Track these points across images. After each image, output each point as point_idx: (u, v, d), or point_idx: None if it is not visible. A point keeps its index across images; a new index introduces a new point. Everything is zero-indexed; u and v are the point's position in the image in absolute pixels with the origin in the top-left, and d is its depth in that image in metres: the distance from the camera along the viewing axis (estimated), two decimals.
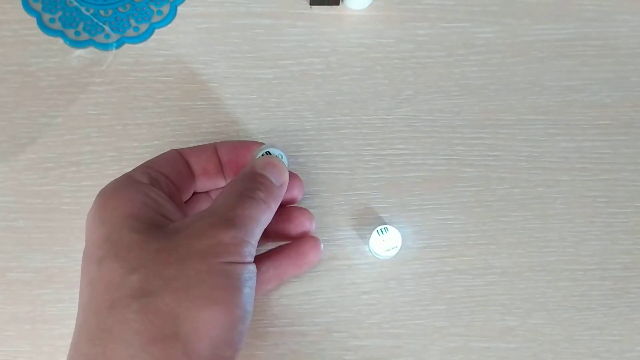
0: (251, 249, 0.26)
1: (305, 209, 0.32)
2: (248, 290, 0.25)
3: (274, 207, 0.28)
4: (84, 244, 0.27)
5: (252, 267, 0.26)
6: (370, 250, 0.34)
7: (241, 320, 0.25)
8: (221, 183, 0.32)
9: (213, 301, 0.24)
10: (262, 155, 0.30)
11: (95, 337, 0.24)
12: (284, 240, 0.32)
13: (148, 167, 0.29)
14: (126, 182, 0.28)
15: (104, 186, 0.28)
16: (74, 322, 0.32)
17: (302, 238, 0.31)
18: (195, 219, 0.26)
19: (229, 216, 0.26)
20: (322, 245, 0.31)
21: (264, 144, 0.31)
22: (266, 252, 0.31)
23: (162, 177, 0.29)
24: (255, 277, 0.26)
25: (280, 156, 0.30)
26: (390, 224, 0.34)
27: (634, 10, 0.39)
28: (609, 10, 0.39)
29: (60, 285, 0.33)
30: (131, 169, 0.30)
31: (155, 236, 0.25)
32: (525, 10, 0.39)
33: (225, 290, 0.24)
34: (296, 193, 0.32)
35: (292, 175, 0.31)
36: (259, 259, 0.31)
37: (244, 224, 0.26)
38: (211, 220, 0.26)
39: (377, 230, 0.33)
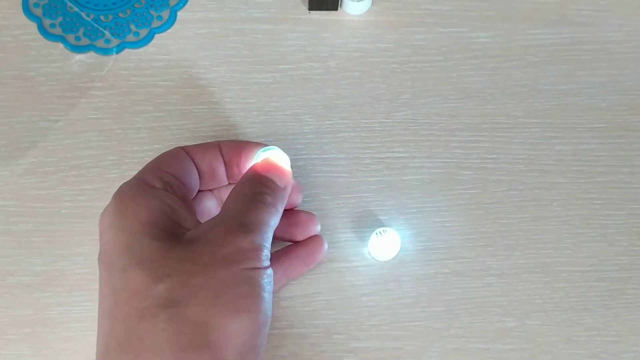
0: (267, 253, 0.27)
1: (312, 214, 0.33)
2: (268, 295, 0.26)
3: (281, 209, 0.29)
4: (98, 248, 0.27)
5: (270, 271, 0.27)
6: (369, 253, 0.34)
7: (265, 325, 0.26)
8: (224, 181, 0.32)
9: (239, 309, 0.24)
10: (264, 156, 0.30)
11: (126, 345, 0.24)
12: (289, 242, 0.33)
13: (159, 170, 0.29)
14: (141, 187, 0.28)
15: (115, 189, 0.28)
16: (74, 325, 0.33)
17: (309, 238, 0.32)
18: (211, 225, 0.27)
19: (244, 222, 0.26)
20: (326, 244, 0.33)
21: (266, 145, 0.31)
22: (273, 254, 0.32)
23: (173, 180, 0.29)
24: (272, 281, 0.27)
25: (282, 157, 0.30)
26: (389, 226, 0.34)
27: (628, 15, 0.39)
28: (604, 15, 0.39)
29: (60, 288, 0.33)
30: (131, 173, 0.30)
31: (176, 244, 0.26)
32: (520, 15, 0.39)
33: (250, 297, 0.25)
34: (295, 197, 0.32)
35: None
36: None
37: (259, 229, 0.27)
38: (228, 227, 0.26)
39: (376, 233, 0.33)
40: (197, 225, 0.27)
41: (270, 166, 0.29)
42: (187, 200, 0.29)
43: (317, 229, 0.32)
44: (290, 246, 0.32)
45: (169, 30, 0.38)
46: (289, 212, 0.32)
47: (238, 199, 0.28)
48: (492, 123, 0.37)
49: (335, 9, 0.38)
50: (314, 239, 0.32)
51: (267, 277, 0.26)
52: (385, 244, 0.33)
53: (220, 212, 0.28)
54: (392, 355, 0.33)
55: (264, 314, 0.25)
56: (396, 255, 0.34)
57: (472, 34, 0.38)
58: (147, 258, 0.25)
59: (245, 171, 0.30)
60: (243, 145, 0.32)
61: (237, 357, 0.24)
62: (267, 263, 0.27)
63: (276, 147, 0.30)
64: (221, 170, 0.31)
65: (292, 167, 0.34)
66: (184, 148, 0.31)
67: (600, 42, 0.39)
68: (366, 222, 0.35)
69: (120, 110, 0.36)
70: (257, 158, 0.30)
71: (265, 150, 0.30)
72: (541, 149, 0.36)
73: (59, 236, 0.34)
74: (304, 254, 0.32)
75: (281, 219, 0.31)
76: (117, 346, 0.24)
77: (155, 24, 0.38)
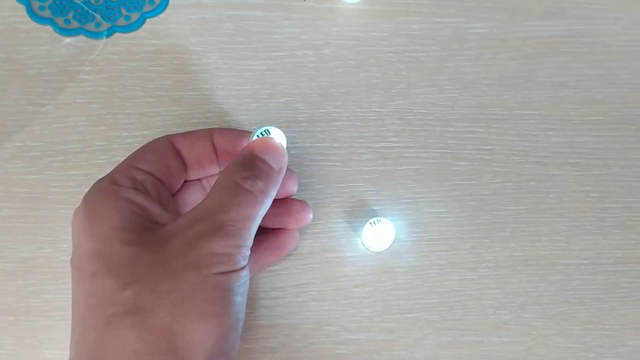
0: (245, 252, 0.26)
1: (305, 203, 0.32)
2: (240, 299, 0.25)
3: (273, 194, 0.28)
4: (72, 248, 0.27)
5: (245, 272, 0.26)
6: (362, 243, 0.33)
7: (234, 329, 0.25)
8: (214, 171, 0.31)
9: (206, 315, 0.24)
10: (261, 134, 0.29)
11: (94, 352, 0.24)
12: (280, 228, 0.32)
13: (132, 168, 0.28)
14: (111, 188, 0.27)
15: (103, 175, 0.28)
16: (58, 314, 0.32)
17: (279, 229, 0.31)
18: (188, 222, 0.26)
19: (222, 222, 0.25)
20: (298, 235, 0.32)
21: None
22: None
23: (148, 178, 0.28)
24: (247, 281, 0.26)
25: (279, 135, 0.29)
26: (383, 216, 0.34)
27: (625, 9, 0.39)
28: (600, 8, 0.39)
29: (45, 276, 0.32)
30: (120, 159, 0.29)
31: (148, 247, 0.25)
32: (517, 6, 0.39)
33: (217, 303, 0.24)
34: (290, 187, 0.31)
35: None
36: None
37: (238, 227, 0.26)
38: (203, 228, 0.25)
39: (370, 223, 0.33)
40: (175, 219, 0.27)
41: (267, 145, 0.28)
42: (164, 197, 0.29)
43: (309, 217, 0.31)
44: (261, 236, 0.31)
45: (161, 15, 0.37)
46: (282, 201, 0.31)
47: (223, 189, 0.27)
48: (488, 114, 0.36)
49: None
50: (284, 230, 0.31)
51: (241, 279, 0.25)
52: (379, 235, 0.32)
53: (202, 202, 0.27)
54: (385, 347, 0.32)
55: (233, 317, 0.25)
56: (390, 246, 0.33)
57: (469, 25, 0.38)
58: (117, 264, 0.25)
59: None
60: (239, 136, 0.31)
61: None
62: (243, 263, 0.26)
63: (274, 126, 0.29)
64: (211, 160, 0.31)
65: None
66: (170, 137, 0.30)
67: (597, 35, 0.38)
68: (360, 212, 0.34)
69: (110, 95, 0.35)
70: (253, 136, 0.29)
71: (260, 129, 0.29)
72: (537, 140, 0.36)
73: (44, 222, 0.33)
74: (274, 245, 0.31)
75: (273, 207, 0.30)
76: (85, 353, 0.24)
77: (147, 8, 0.37)
